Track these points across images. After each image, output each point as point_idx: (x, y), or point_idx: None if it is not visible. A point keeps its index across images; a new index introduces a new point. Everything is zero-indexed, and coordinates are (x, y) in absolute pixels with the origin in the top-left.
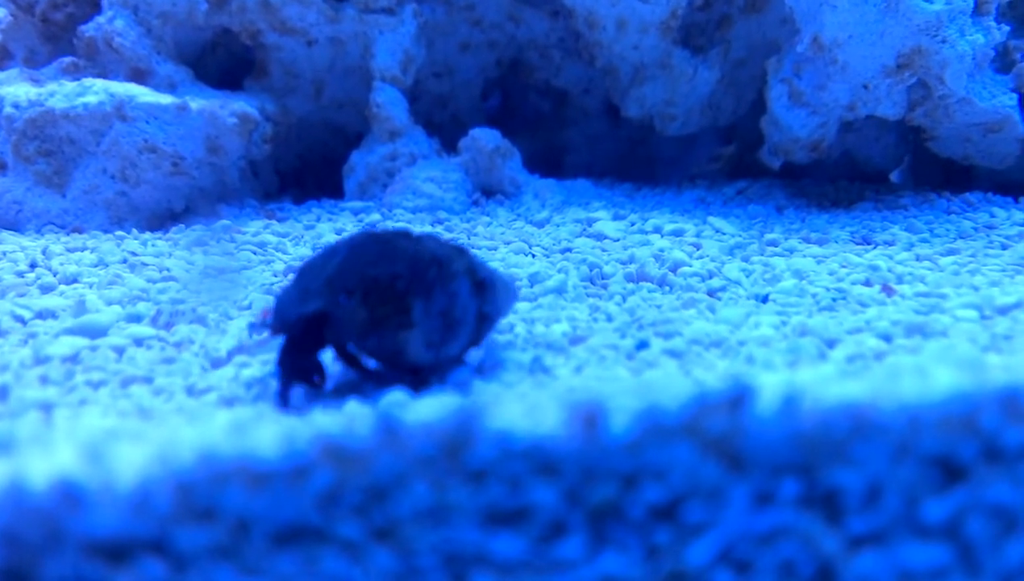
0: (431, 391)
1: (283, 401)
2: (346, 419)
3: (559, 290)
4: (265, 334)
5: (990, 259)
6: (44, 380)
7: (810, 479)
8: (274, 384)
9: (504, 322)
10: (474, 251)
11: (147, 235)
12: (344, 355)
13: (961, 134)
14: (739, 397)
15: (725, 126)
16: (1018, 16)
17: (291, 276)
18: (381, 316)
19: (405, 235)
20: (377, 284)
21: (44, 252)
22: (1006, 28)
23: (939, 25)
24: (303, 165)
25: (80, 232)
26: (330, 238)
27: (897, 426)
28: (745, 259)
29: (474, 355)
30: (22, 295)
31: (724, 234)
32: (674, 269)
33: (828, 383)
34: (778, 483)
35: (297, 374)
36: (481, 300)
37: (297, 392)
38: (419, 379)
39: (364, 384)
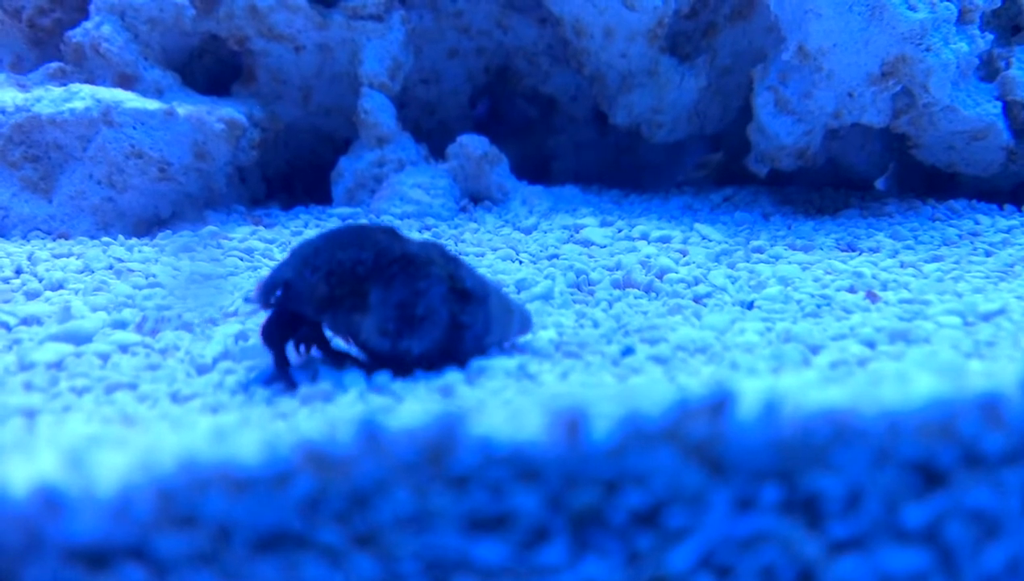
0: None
1: (284, 377)
2: (328, 425)
3: (546, 296)
4: (254, 306)
5: (974, 266)
6: (28, 386)
7: (791, 484)
8: (259, 390)
9: None
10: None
11: (133, 241)
12: (315, 334)
13: (946, 142)
14: (720, 403)
15: (712, 133)
16: (1002, 24)
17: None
18: (339, 295)
19: (387, 230)
20: (340, 266)
21: (30, 258)
22: (990, 36)
23: (923, 33)
24: (291, 171)
25: (66, 238)
26: None
27: (877, 432)
28: (731, 266)
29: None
30: (7, 301)
31: (710, 241)
32: (660, 275)
33: (809, 389)
34: (759, 488)
35: (280, 346)
36: (458, 309)
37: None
38: (377, 366)
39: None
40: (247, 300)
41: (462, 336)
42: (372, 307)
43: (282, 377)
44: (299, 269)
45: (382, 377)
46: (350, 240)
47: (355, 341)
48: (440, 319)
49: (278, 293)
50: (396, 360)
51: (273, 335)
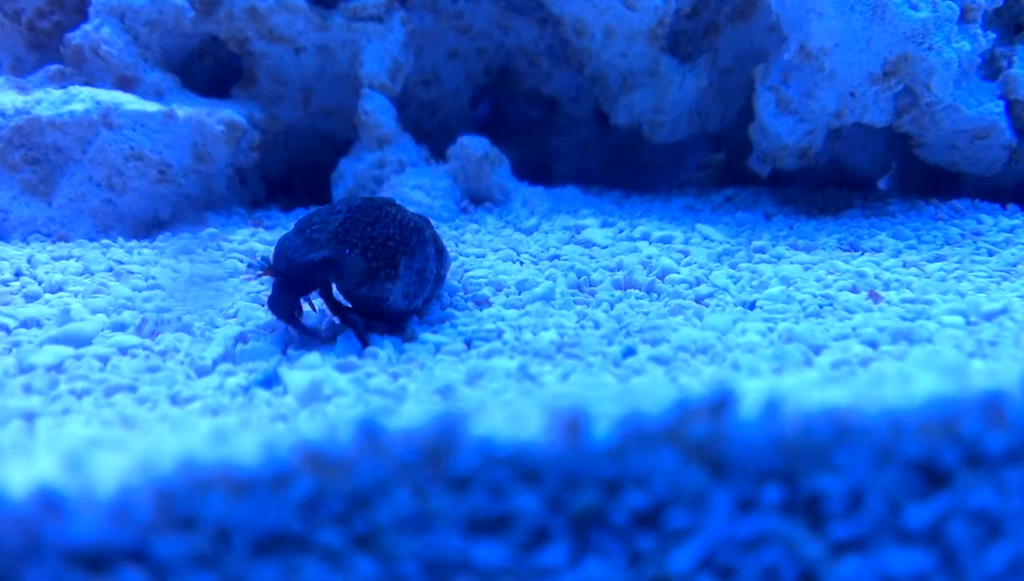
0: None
1: (311, 335)
2: (328, 426)
3: (547, 297)
4: (259, 273)
5: (977, 265)
6: (27, 389)
7: (792, 485)
8: (260, 392)
9: (492, 329)
10: (461, 258)
11: (133, 243)
12: (332, 303)
13: (948, 141)
14: (721, 403)
15: (714, 134)
16: (1004, 23)
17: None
18: (375, 268)
19: (392, 203)
20: (375, 241)
21: (29, 261)
22: (992, 35)
23: (925, 32)
24: (291, 173)
25: (66, 240)
26: None
27: (879, 431)
28: (733, 266)
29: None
30: (7, 304)
31: (712, 241)
32: (662, 276)
33: (810, 389)
34: (760, 489)
35: (287, 312)
36: (439, 264)
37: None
38: (395, 326)
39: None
40: (251, 266)
41: (441, 285)
42: (401, 275)
43: (310, 336)
44: (336, 247)
45: (379, 379)
46: (373, 216)
47: (377, 306)
48: (433, 276)
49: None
50: (407, 316)
51: (288, 307)
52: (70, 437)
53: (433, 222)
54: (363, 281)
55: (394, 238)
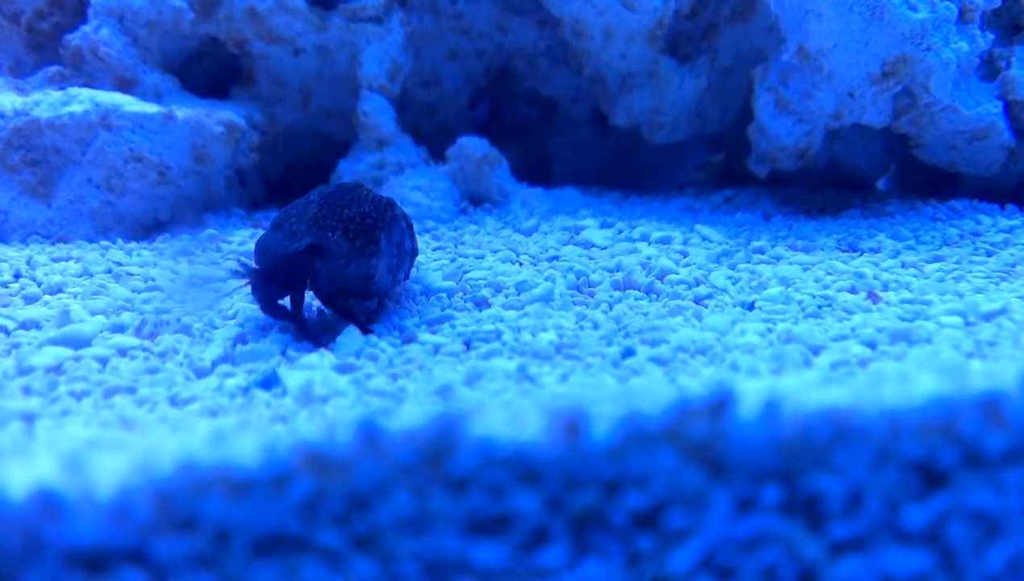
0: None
1: (308, 334)
2: (327, 427)
3: (546, 298)
4: (244, 281)
5: (975, 266)
6: (27, 390)
7: (792, 485)
8: (259, 393)
9: (491, 330)
10: (460, 259)
11: (132, 245)
12: (322, 296)
13: (947, 142)
14: (720, 403)
15: (713, 134)
16: (1002, 24)
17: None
18: (359, 246)
19: (361, 186)
20: (353, 221)
21: (28, 262)
22: (991, 36)
23: (924, 33)
24: (290, 174)
25: (65, 242)
26: None
27: (878, 432)
28: (732, 267)
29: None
30: (6, 305)
31: (711, 242)
32: (661, 277)
33: (810, 389)
34: (760, 489)
35: (276, 307)
36: (412, 239)
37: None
38: (377, 312)
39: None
40: (235, 273)
41: (411, 262)
42: (383, 250)
43: (306, 332)
44: (318, 233)
45: (378, 380)
46: (347, 198)
47: (364, 284)
48: (411, 250)
49: (265, 259)
50: (390, 291)
51: (277, 302)
52: (69, 438)
53: (432, 223)
54: (349, 260)
55: (370, 215)
